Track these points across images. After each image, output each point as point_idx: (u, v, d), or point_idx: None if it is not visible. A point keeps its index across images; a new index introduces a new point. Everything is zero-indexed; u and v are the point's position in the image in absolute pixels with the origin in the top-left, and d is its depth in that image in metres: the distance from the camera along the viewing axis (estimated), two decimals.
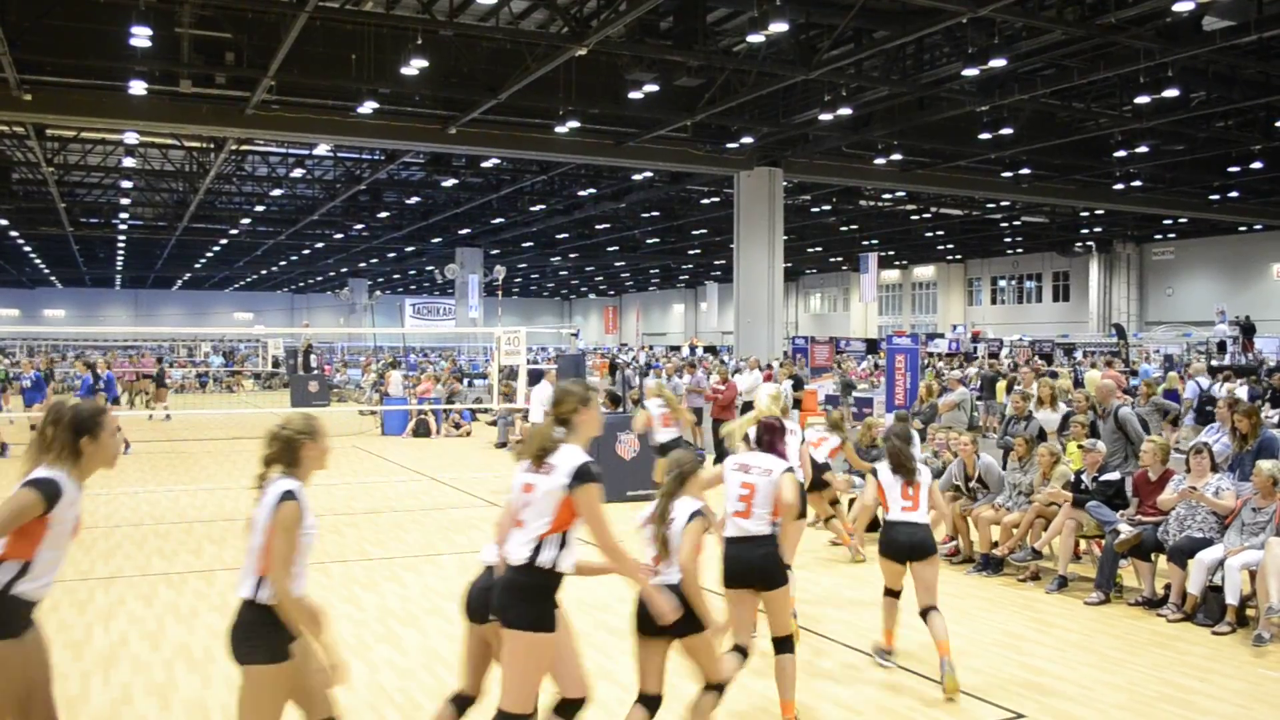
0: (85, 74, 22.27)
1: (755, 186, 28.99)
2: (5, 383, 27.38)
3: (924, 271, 65.23)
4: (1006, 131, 25.57)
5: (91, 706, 6.08)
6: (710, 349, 48.05)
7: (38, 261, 66.60)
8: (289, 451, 4.15)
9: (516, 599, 4.31)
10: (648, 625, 4.76)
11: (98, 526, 11.70)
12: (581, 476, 4.33)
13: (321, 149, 32.34)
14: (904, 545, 6.69)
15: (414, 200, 41.71)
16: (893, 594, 6.96)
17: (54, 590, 8.50)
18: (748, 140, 27.18)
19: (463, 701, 4.81)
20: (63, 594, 8.53)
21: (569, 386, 4.66)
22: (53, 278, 78.06)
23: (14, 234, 50.72)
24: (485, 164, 33.76)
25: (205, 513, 12.82)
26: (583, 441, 4.52)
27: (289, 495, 4.01)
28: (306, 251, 58.93)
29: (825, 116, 23.56)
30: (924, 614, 6.61)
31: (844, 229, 48.42)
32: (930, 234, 50.99)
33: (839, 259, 60.82)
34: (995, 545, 9.63)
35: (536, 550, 4.28)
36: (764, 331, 28.93)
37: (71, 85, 22.73)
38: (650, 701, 4.89)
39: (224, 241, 53.83)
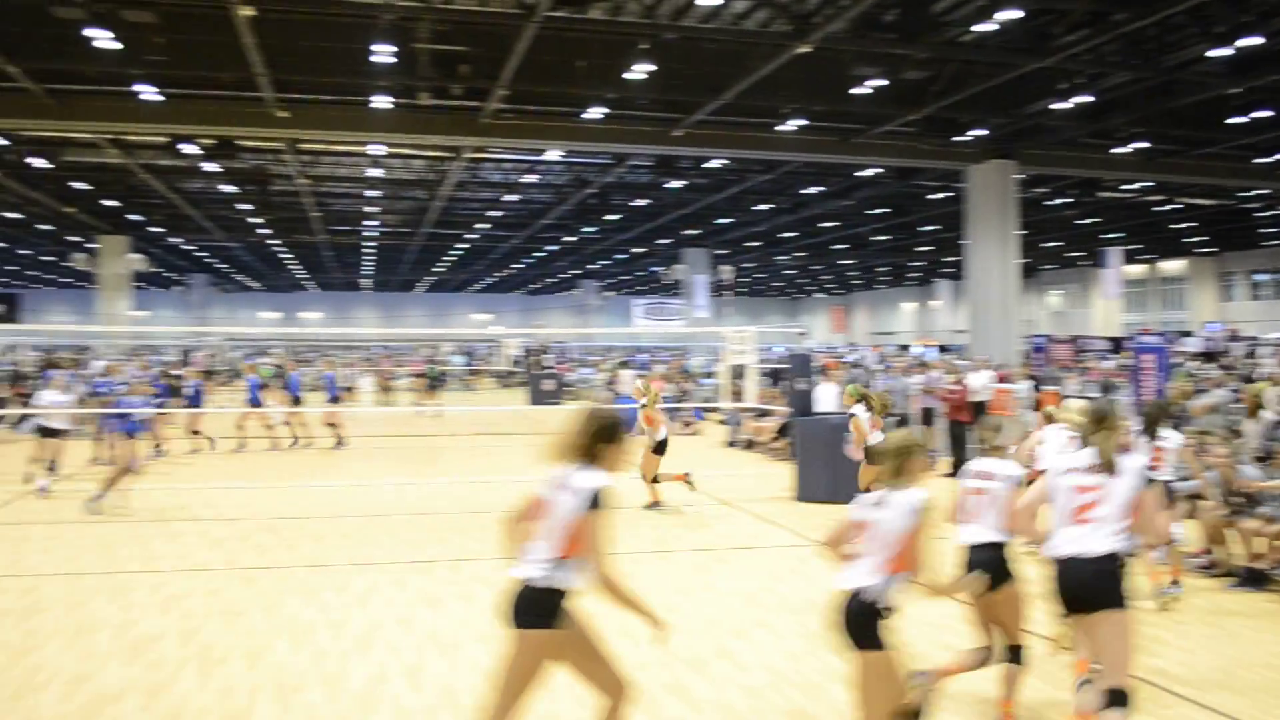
0: (334, 90, 23.73)
1: (987, 180, 28.08)
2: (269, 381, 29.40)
3: (1172, 266, 61.52)
4: (1262, 114, 23.86)
5: (351, 684, 6.47)
6: (942, 348, 46.83)
7: (295, 267, 71.31)
8: (900, 462, 4.79)
9: (1107, 583, 4.92)
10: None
11: (355, 516, 12.44)
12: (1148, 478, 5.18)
13: (552, 155, 33.28)
14: None
15: (641, 202, 42.34)
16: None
17: (318, 574, 9.09)
18: (979, 133, 26.35)
19: (985, 653, 5.69)
20: (325, 578, 9.12)
21: (1104, 406, 5.40)
22: (308, 282, 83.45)
23: (274, 242, 54.50)
24: (711, 164, 33.95)
25: (452, 505, 13.40)
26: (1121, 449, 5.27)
27: (925, 500, 4.67)
28: (540, 254, 60.77)
29: (1061, 105, 22.60)
30: None
31: (1084, 222, 46.29)
32: (1178, 226, 48.10)
33: (1079, 254, 58.17)
34: (1259, 558, 9.00)
35: (1117, 539, 4.97)
36: (999, 330, 27.98)
37: (322, 102, 24.25)
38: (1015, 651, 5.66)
39: (463, 246, 56.18)
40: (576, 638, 4.48)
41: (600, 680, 4.55)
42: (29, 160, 32.47)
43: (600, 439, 4.49)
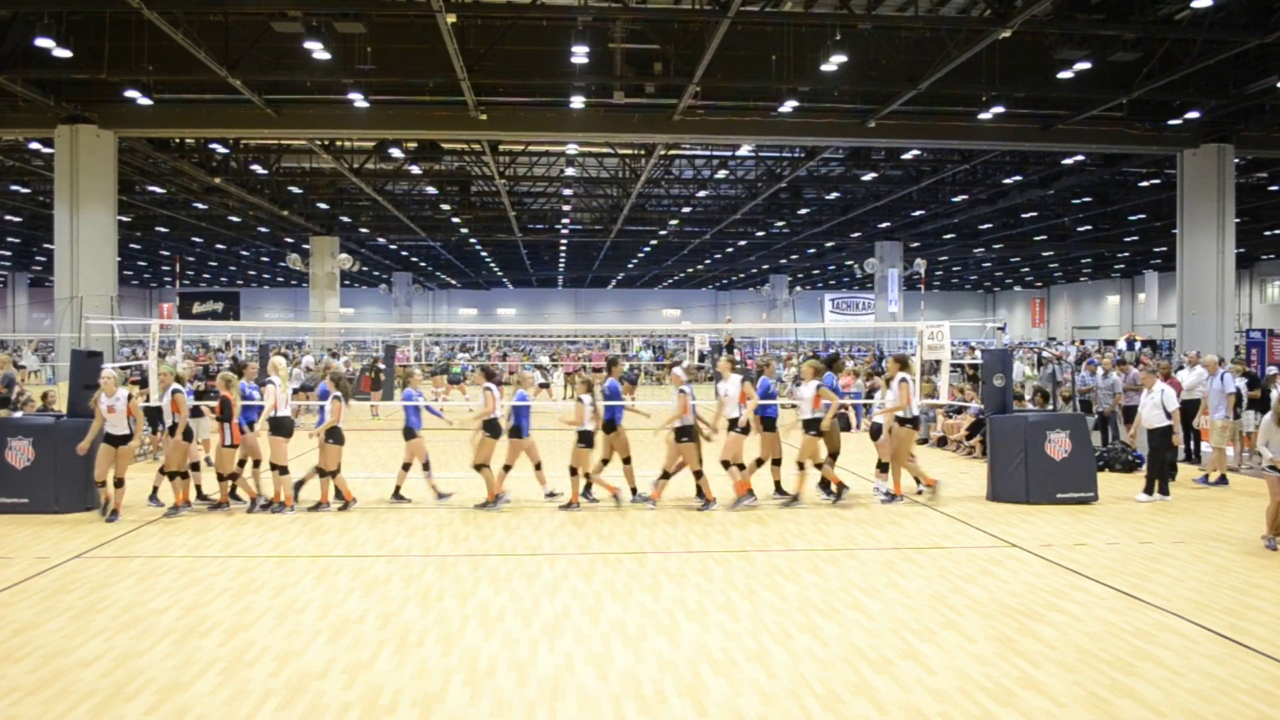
0: (531, 93, 24.34)
1: (1201, 165, 26.69)
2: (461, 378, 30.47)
3: None
4: None
5: (539, 670, 6.64)
6: (1149, 343, 44.70)
7: (492, 265, 73.50)
8: None
9: None
10: None
11: (545, 507, 12.75)
12: None
13: (744, 149, 33.28)
14: None
15: (833, 196, 41.90)
16: None
17: (509, 563, 9.34)
18: (1192, 115, 25.00)
19: None
20: (515, 567, 9.38)
21: None
22: (504, 279, 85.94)
23: (472, 241, 56.29)
24: (905, 156, 33.35)
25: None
26: None
27: None
28: (730, 250, 60.82)
29: None
30: None
31: None
32: None
33: None
34: None
35: None
36: (1212, 324, 26.57)
37: (519, 104, 24.89)
38: None
39: (653, 242, 56.77)
40: None
41: None
42: (250, 167, 34.54)
43: None
